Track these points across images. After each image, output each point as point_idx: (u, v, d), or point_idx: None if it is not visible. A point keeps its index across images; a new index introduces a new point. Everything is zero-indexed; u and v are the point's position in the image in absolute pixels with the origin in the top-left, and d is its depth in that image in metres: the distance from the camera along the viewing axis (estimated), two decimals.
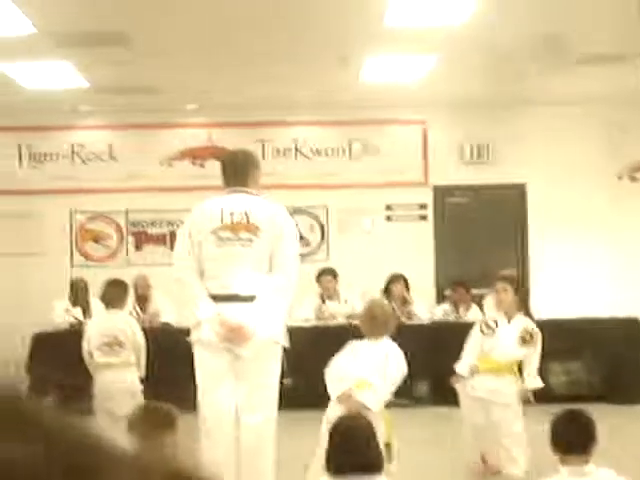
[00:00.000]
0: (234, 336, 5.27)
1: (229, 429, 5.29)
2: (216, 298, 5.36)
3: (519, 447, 6.56)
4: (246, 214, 5.37)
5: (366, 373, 5.53)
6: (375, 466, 3.57)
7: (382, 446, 4.55)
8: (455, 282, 11.32)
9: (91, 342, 6.98)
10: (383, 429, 5.35)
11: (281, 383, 5.51)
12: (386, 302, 5.95)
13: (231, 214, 5.38)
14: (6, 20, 7.94)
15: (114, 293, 7.14)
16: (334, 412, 5.17)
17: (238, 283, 5.33)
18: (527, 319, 7.01)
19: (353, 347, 5.74)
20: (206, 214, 5.48)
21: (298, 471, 5.84)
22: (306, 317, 10.58)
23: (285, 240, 5.41)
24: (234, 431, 5.31)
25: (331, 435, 3.80)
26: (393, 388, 5.67)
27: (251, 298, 5.32)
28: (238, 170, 5.57)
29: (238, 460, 5.29)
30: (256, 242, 5.35)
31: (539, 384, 6.86)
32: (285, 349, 5.49)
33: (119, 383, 6.87)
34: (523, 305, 7.14)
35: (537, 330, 6.89)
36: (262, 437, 5.37)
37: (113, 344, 6.91)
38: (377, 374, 5.53)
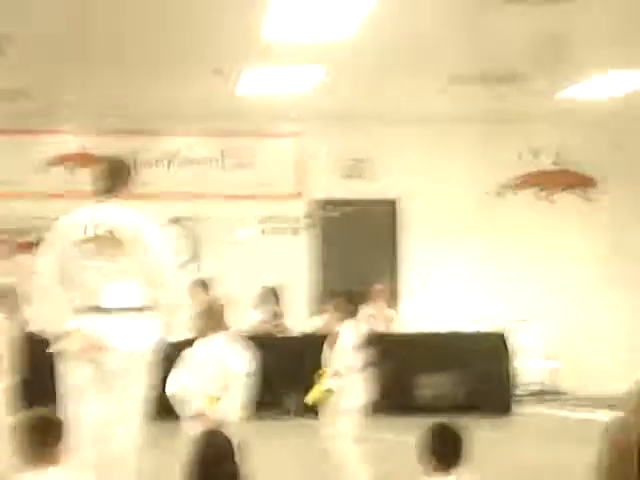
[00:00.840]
0: (93, 350, 5.22)
1: (94, 442, 5.21)
2: (79, 310, 5.29)
3: None
4: (111, 230, 5.30)
5: (209, 386, 5.54)
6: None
7: None
8: (333, 294, 11.39)
9: None
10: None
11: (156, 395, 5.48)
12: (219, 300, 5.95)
13: (95, 226, 5.31)
14: None
15: None
16: (192, 428, 5.19)
17: (101, 295, 5.27)
18: None
19: (189, 357, 5.71)
20: (71, 225, 5.40)
21: None
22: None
23: (154, 254, 5.36)
24: (99, 442, 5.25)
25: (193, 453, 3.77)
26: (242, 388, 5.64)
27: (116, 310, 5.27)
28: (109, 178, 5.49)
29: (103, 471, 5.22)
30: (120, 257, 5.29)
31: None
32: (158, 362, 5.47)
33: None
34: None
35: None
36: (126, 449, 5.32)
37: None
38: (219, 383, 5.53)
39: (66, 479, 3.78)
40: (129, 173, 5.63)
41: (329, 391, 6.51)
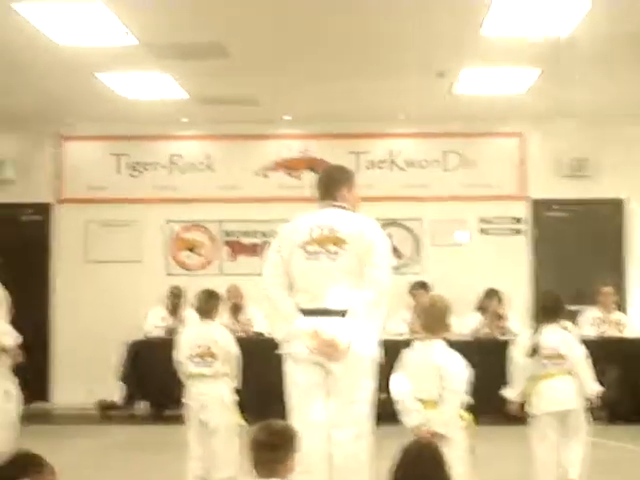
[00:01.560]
0: (328, 350, 5.24)
1: (321, 445, 5.25)
2: (306, 312, 5.34)
3: None
4: (333, 228, 5.37)
5: (428, 393, 5.43)
6: None
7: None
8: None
9: (183, 352, 7.01)
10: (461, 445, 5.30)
11: (378, 399, 5.45)
12: (446, 298, 5.77)
13: (319, 228, 5.39)
14: (108, 32, 8.08)
15: (207, 304, 7.16)
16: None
17: (327, 297, 5.30)
18: None
19: (408, 361, 5.61)
20: (295, 229, 5.50)
21: None
22: (399, 331, 10.53)
23: (375, 254, 5.35)
24: (326, 447, 5.27)
25: (397, 459, 3.74)
26: (460, 397, 5.53)
27: (341, 312, 5.27)
28: (329, 185, 5.58)
29: (331, 477, 5.25)
30: (342, 255, 5.32)
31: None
32: (380, 364, 5.44)
33: (212, 394, 6.89)
34: None
35: None
36: (353, 454, 5.31)
37: (205, 355, 6.93)
38: (435, 389, 5.43)
39: None
40: (348, 181, 5.66)
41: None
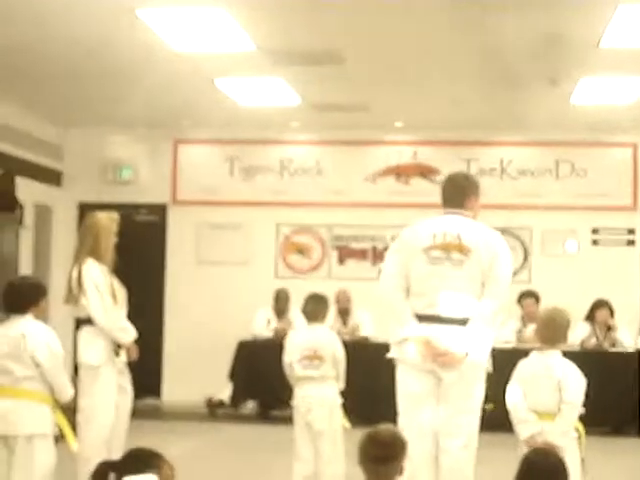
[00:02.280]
0: (444, 360, 5.22)
1: (428, 452, 5.26)
2: (421, 318, 5.31)
3: None
4: (459, 236, 5.31)
5: (545, 404, 5.39)
6: None
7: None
8: None
9: (292, 355, 7.10)
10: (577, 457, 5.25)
11: (483, 409, 5.44)
12: (566, 311, 5.68)
13: (444, 234, 5.34)
14: (228, 37, 8.25)
15: (315, 308, 7.23)
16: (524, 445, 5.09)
17: (444, 304, 5.27)
18: None
19: (524, 371, 5.54)
20: (417, 233, 5.46)
21: None
22: (506, 339, 10.47)
23: (498, 266, 5.30)
24: (433, 455, 5.26)
25: (520, 468, 3.75)
26: (578, 409, 5.48)
27: (457, 321, 5.24)
28: (457, 192, 5.53)
29: None
30: (467, 264, 5.27)
31: None
32: (488, 374, 5.41)
33: (318, 397, 6.97)
34: None
35: None
36: (460, 462, 5.29)
37: (313, 358, 7.01)
38: (555, 400, 5.37)
39: None
40: (474, 189, 5.65)
41: None
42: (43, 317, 5.88)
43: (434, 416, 5.30)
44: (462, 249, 5.28)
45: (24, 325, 5.55)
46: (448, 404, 5.29)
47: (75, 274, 6.79)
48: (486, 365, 5.35)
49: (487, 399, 5.45)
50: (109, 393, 6.90)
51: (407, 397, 5.38)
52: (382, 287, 5.53)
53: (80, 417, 6.82)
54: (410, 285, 5.38)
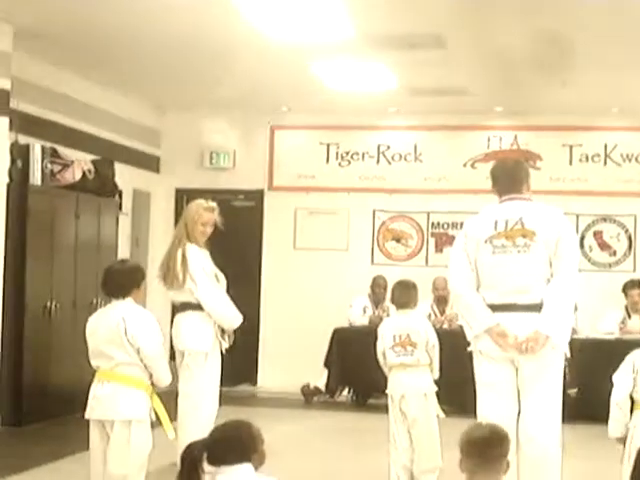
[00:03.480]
0: (527, 346, 5.14)
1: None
2: (495, 307, 5.26)
3: None
4: (521, 220, 5.25)
5: None
6: None
7: None
8: None
9: (384, 342, 7.01)
10: None
11: (566, 393, 5.33)
12: None
13: (506, 221, 5.27)
14: (326, 23, 8.16)
15: (404, 294, 7.14)
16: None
17: (516, 291, 5.21)
18: None
19: (634, 361, 5.28)
20: (480, 224, 5.40)
21: None
22: (609, 330, 10.20)
23: (564, 244, 5.24)
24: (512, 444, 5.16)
25: (636, 458, 3.61)
26: None
27: (531, 307, 5.18)
28: (511, 178, 5.46)
29: (521, 474, 5.13)
30: (533, 247, 5.21)
31: None
32: (567, 358, 5.34)
33: (412, 384, 6.87)
34: None
35: None
36: (546, 450, 5.20)
37: (406, 344, 6.91)
38: None
39: None
40: (528, 171, 5.58)
41: None
42: (143, 301, 5.88)
43: (514, 406, 5.23)
44: (526, 233, 5.23)
45: (124, 309, 5.54)
46: (530, 392, 5.22)
47: (179, 257, 6.80)
48: (565, 349, 5.28)
49: (569, 385, 5.33)
50: (215, 379, 6.92)
51: (485, 387, 5.33)
52: (452, 283, 5.56)
53: (185, 403, 6.83)
54: (479, 277, 5.33)
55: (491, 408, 5.22)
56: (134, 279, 5.70)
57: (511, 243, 5.23)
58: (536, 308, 5.17)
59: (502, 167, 5.67)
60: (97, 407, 5.52)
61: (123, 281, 5.66)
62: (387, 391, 6.99)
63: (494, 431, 3.71)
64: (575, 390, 9.36)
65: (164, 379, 5.61)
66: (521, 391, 5.25)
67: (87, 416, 5.58)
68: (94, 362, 5.57)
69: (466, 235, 5.44)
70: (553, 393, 5.27)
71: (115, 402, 5.48)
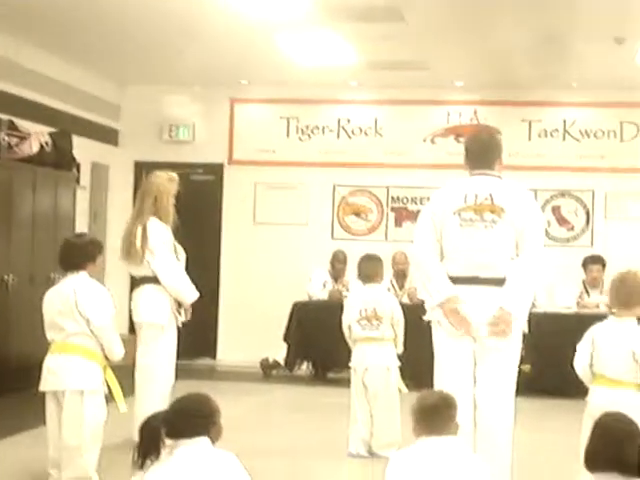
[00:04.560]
0: (496, 331, 5.18)
1: (467, 410, 5.17)
2: (457, 280, 5.26)
3: None
4: (491, 196, 5.27)
5: (618, 372, 5.20)
6: (630, 469, 3.39)
7: None
8: None
9: (350, 315, 7.03)
10: None
11: (519, 369, 5.37)
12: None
13: (475, 195, 5.28)
14: None
15: (370, 268, 7.16)
16: (596, 407, 4.93)
17: (479, 265, 5.23)
18: None
19: (596, 335, 5.29)
20: (448, 195, 5.39)
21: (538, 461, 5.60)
22: (567, 305, 10.29)
23: (531, 224, 5.28)
24: (471, 413, 5.21)
25: (592, 431, 3.66)
26: None
27: (492, 281, 5.20)
28: (484, 153, 5.46)
29: (477, 442, 5.20)
30: (500, 224, 5.24)
31: None
32: (525, 334, 5.37)
33: (376, 358, 6.90)
34: None
35: None
36: (500, 423, 5.26)
37: (372, 318, 6.94)
38: (628, 369, 5.17)
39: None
40: (500, 147, 5.56)
41: None
42: (99, 275, 5.86)
43: (470, 376, 5.28)
44: (494, 209, 5.25)
45: (77, 282, 5.60)
46: (486, 365, 5.26)
47: (139, 231, 6.76)
48: (523, 326, 5.32)
49: (523, 360, 5.40)
50: (171, 353, 6.92)
51: (443, 358, 5.36)
52: (415, 251, 5.51)
53: (140, 376, 6.82)
54: (443, 248, 5.34)
55: (447, 378, 5.25)
56: (88, 253, 5.72)
57: (479, 217, 5.25)
58: (498, 282, 5.19)
59: (476, 141, 5.65)
60: (50, 378, 5.58)
61: (77, 255, 5.69)
62: (350, 364, 7.02)
63: (442, 398, 3.90)
64: (528, 366, 9.43)
65: (115, 351, 5.63)
66: (478, 361, 5.28)
67: (41, 388, 5.63)
68: (48, 335, 5.63)
69: (434, 206, 5.43)
70: (510, 368, 5.32)
71: (67, 372, 5.53)
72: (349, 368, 7.12)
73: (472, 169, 5.44)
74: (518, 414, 5.36)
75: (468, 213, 5.26)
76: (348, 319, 7.02)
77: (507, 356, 5.30)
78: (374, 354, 6.90)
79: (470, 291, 5.22)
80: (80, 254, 5.70)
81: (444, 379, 5.27)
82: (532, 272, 5.29)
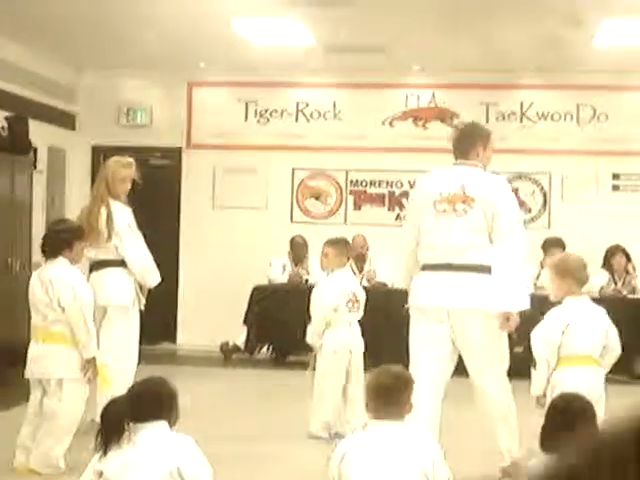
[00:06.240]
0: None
1: (432, 394, 5.26)
2: (431, 267, 5.45)
3: None
4: (463, 186, 5.43)
5: (586, 349, 5.29)
6: None
7: None
8: None
9: (338, 297, 6.97)
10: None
11: (511, 350, 5.51)
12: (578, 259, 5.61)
13: (450, 187, 5.47)
14: None
15: (341, 252, 7.17)
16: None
17: (452, 252, 5.37)
18: None
19: (555, 317, 5.41)
20: (428, 185, 5.65)
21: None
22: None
23: (501, 209, 5.40)
24: (437, 398, 5.35)
25: (548, 412, 3.72)
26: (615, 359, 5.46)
27: (465, 267, 5.36)
28: (463, 143, 5.65)
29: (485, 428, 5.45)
30: (470, 213, 5.40)
31: None
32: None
33: (357, 341, 7.04)
34: None
35: None
36: (503, 406, 5.45)
37: (353, 301, 7.01)
38: (594, 345, 5.29)
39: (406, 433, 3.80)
40: (482, 138, 5.69)
41: None
42: (78, 261, 5.92)
43: (441, 360, 5.42)
44: (466, 200, 5.41)
45: (53, 269, 5.67)
46: (467, 349, 5.43)
47: (104, 214, 6.77)
48: (495, 311, 5.41)
49: (515, 343, 5.53)
50: (135, 336, 6.97)
51: (417, 343, 5.50)
52: (402, 239, 5.81)
53: (105, 358, 6.80)
54: (420, 237, 5.54)
55: (419, 361, 5.38)
56: (64, 239, 5.75)
57: (451, 208, 5.42)
58: (470, 269, 5.35)
59: (457, 131, 5.91)
60: (34, 367, 5.73)
61: (53, 241, 5.77)
62: (331, 347, 6.95)
63: (398, 376, 3.89)
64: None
65: (87, 348, 5.75)
66: (451, 350, 5.46)
67: (27, 376, 5.79)
68: (33, 319, 5.77)
69: (417, 193, 5.77)
70: (493, 352, 5.48)
71: (50, 361, 5.67)
72: (310, 351, 7.14)
73: (454, 158, 5.65)
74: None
75: (442, 205, 5.45)
76: (335, 301, 6.96)
77: (487, 340, 5.44)
78: (355, 337, 7.00)
79: (444, 277, 5.39)
80: (55, 241, 5.77)
81: (415, 360, 5.42)
82: (512, 256, 5.38)
